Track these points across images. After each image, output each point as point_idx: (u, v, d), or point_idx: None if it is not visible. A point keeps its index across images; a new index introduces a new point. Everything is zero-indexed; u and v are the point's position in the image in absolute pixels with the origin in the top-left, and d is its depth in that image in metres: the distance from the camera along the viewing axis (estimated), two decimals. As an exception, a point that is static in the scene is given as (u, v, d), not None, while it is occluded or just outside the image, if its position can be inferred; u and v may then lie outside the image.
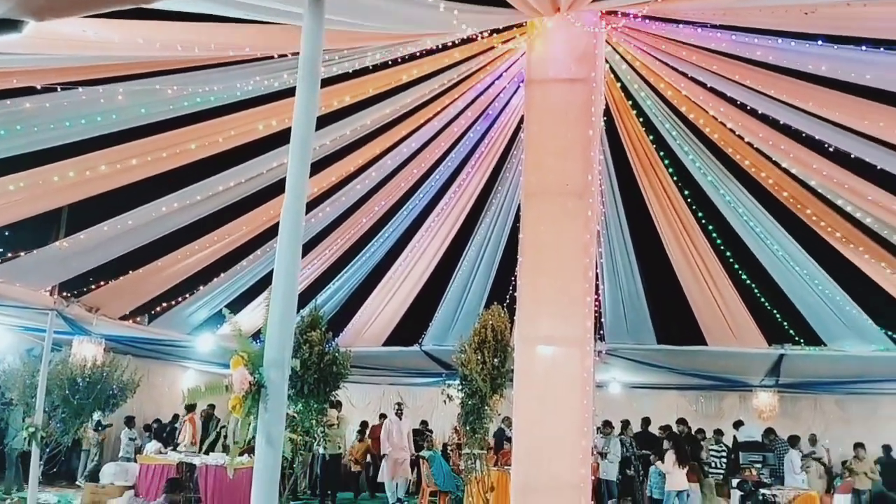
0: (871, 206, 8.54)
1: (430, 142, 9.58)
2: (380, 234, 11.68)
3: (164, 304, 11.88)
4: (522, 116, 7.80)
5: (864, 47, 6.04)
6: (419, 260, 12.35)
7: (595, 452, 10.86)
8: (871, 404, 14.78)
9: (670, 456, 9.51)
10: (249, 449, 2.50)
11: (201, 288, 11.70)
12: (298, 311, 9.74)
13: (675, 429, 12.17)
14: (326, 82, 7.33)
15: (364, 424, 15.07)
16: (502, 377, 8.68)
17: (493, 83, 8.70)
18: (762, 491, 4.40)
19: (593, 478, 9.87)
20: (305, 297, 11.98)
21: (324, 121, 8.18)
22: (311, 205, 10.12)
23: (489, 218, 11.64)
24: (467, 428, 8.80)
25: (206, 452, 10.65)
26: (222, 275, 11.45)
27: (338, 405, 12.13)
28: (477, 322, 9.15)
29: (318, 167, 9.26)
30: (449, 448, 12.64)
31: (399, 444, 12.19)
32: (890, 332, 11.25)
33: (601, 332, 11.52)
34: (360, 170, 9.65)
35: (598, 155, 7.97)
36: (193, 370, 16.97)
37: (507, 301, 10.44)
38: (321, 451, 10.53)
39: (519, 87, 8.76)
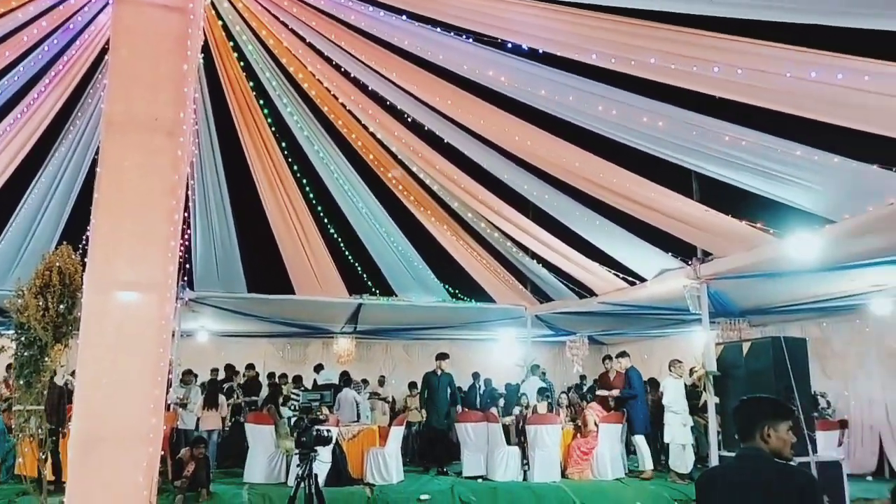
0: (437, 174, 9.77)
1: (-12, 50, 8.04)
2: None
3: None
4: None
5: (438, 29, 6.79)
6: (-29, 188, 10.35)
7: (175, 402, 10.53)
8: (431, 348, 17.07)
9: (200, 401, 10.37)
10: None
11: None
12: None
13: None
14: None
15: None
16: (68, 325, 7.82)
17: (75, -8, 7.65)
18: (316, 427, 4.78)
19: (167, 427, 9.59)
20: None
21: None
22: None
23: (66, 147, 10.28)
24: (21, 382, 7.73)
25: None
26: None
27: None
28: (40, 264, 8.03)
29: None
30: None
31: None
32: (447, 286, 13.11)
33: (185, 278, 11.14)
34: None
35: (192, 93, 7.60)
36: None
37: (84, 242, 9.41)
38: None
39: (108, 3, 7.85)
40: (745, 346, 8.46)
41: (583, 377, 14.96)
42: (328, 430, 4.97)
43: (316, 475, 4.63)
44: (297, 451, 4.95)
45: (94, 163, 9.19)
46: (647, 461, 10.16)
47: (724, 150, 6.62)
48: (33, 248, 11.16)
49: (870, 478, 10.46)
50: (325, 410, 9.99)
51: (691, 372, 11.02)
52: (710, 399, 8.94)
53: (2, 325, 11.07)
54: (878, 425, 10.93)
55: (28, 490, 7.88)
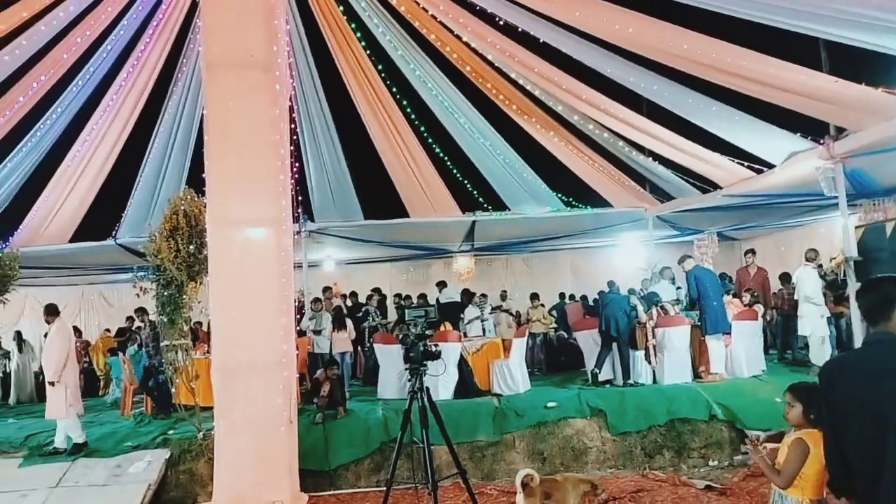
0: (537, 77, 9.34)
1: (92, 6, 8.38)
2: (46, 116, 10.15)
3: None
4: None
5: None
6: (101, 143, 11.05)
7: (308, 328, 11.08)
8: (551, 260, 16.95)
9: (330, 325, 10.77)
10: None
11: None
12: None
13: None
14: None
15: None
16: (200, 264, 8.31)
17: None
18: (423, 342, 4.85)
19: (302, 352, 10.13)
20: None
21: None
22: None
23: (178, 94, 10.71)
24: (165, 319, 8.38)
25: None
26: None
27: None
28: (167, 208, 8.54)
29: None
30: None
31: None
32: (560, 195, 12.75)
33: (299, 211, 11.45)
34: (5, 39, 8.16)
35: (283, 25, 7.61)
36: None
37: (206, 184, 9.87)
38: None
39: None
40: (889, 227, 7.67)
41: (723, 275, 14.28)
42: (436, 345, 5.00)
43: (427, 388, 4.70)
44: (406, 366, 5.04)
45: (204, 106, 9.53)
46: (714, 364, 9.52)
47: (848, 9, 5.82)
48: (165, 195, 11.87)
49: None
50: (445, 326, 10.22)
51: (831, 261, 10.25)
52: (852, 286, 8.25)
53: (143, 269, 11.96)
54: None
55: (184, 417, 8.63)
